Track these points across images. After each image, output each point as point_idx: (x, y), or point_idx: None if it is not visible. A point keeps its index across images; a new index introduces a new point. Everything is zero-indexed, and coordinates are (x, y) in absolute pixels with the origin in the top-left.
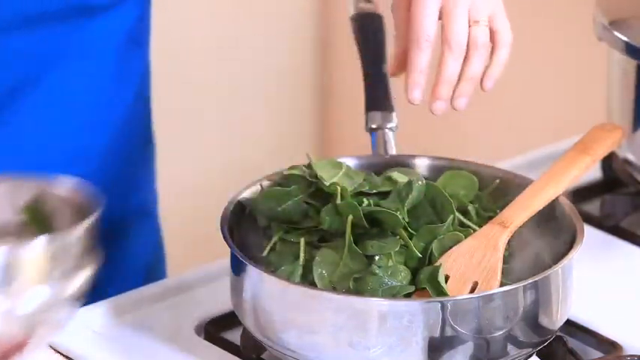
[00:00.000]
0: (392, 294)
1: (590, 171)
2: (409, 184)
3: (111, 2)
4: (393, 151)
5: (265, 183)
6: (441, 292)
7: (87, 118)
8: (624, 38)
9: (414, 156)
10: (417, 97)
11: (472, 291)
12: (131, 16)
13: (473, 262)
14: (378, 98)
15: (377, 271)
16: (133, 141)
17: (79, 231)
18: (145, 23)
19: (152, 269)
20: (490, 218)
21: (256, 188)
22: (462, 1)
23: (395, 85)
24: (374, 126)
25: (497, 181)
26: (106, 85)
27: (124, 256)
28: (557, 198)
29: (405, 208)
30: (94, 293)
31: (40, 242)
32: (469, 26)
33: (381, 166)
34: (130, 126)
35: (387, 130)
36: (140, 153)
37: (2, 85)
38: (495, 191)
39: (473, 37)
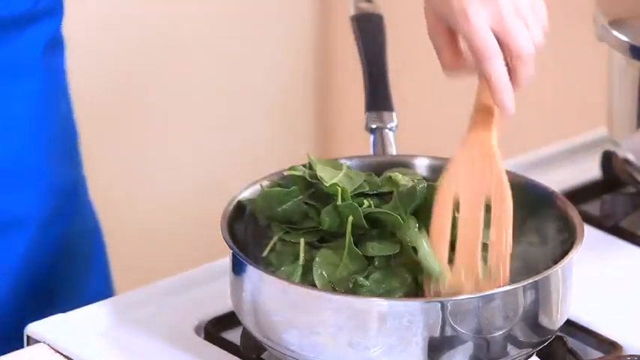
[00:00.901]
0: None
1: (589, 171)
2: (413, 190)
3: (26, 16)
4: (393, 151)
5: (265, 183)
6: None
7: (24, 132)
8: (624, 38)
9: (414, 156)
10: (512, 105)
11: (487, 211)
12: (50, 27)
13: (476, 180)
14: (378, 98)
15: (374, 275)
16: (68, 139)
17: None
18: (59, 24)
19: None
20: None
21: (256, 188)
22: (509, 4)
23: (395, 85)
24: (374, 126)
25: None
26: (38, 98)
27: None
28: (557, 198)
29: (409, 212)
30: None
31: None
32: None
33: (381, 166)
34: (65, 126)
35: (387, 130)
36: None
37: None
38: None
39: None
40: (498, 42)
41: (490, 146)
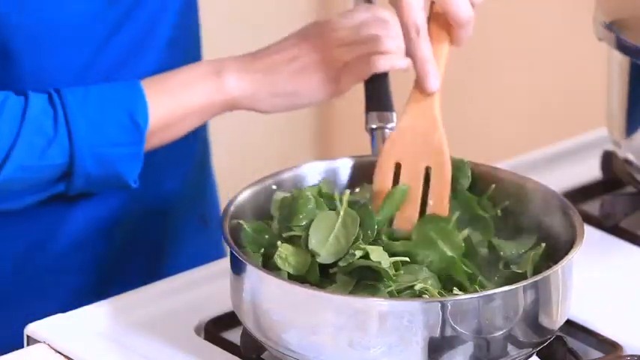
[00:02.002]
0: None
1: (589, 171)
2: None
3: None
4: None
5: (267, 183)
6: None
7: None
8: (624, 38)
9: None
10: (435, 85)
11: (426, 178)
12: None
13: (418, 147)
14: (377, 98)
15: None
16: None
17: None
18: None
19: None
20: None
21: (256, 188)
22: None
23: (395, 85)
24: (374, 126)
25: (493, 186)
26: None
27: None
28: (557, 198)
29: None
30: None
31: None
32: None
33: None
34: None
35: (386, 130)
36: None
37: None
38: (495, 193)
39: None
40: (438, 9)
41: (432, 114)
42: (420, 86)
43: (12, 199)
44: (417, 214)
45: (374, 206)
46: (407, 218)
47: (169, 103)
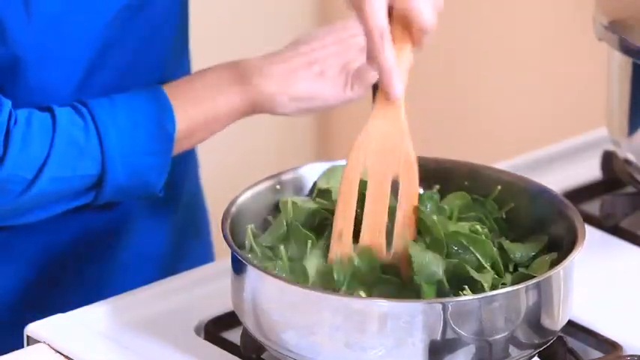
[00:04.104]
0: None
1: (589, 171)
2: None
3: None
4: None
5: (268, 184)
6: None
7: None
8: (625, 38)
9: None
10: (399, 92)
11: (394, 188)
12: None
13: (385, 156)
14: None
15: None
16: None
17: None
18: None
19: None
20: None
21: (257, 189)
22: None
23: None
24: None
25: (499, 187)
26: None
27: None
28: (557, 199)
29: None
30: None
31: None
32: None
33: None
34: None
35: None
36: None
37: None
38: (498, 195)
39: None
40: (400, 14)
41: (399, 123)
42: (384, 92)
43: (40, 211)
44: (384, 230)
45: (337, 212)
46: (375, 233)
47: (195, 110)
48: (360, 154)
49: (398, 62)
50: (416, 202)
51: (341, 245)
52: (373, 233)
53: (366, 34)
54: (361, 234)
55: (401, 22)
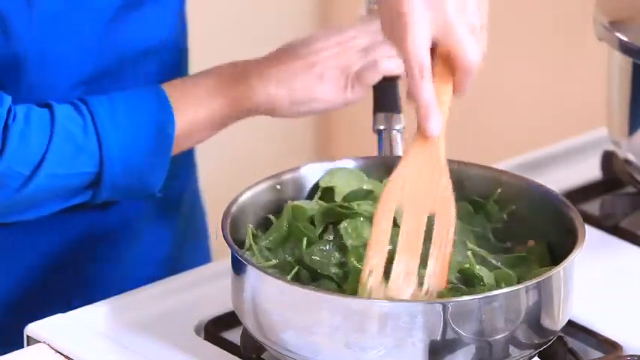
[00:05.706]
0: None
1: (589, 171)
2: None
3: None
4: (399, 152)
5: (268, 184)
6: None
7: None
8: (624, 38)
9: None
10: (437, 129)
11: (428, 225)
12: None
13: (423, 192)
14: (385, 100)
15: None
16: None
17: None
18: None
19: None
20: (496, 228)
21: (257, 189)
22: (460, 16)
23: (402, 86)
24: (381, 127)
25: (499, 190)
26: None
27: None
28: (557, 199)
29: None
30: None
31: None
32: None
33: (386, 167)
34: None
35: (394, 132)
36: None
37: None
38: (498, 196)
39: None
40: (444, 51)
41: (439, 159)
42: (422, 129)
43: (38, 209)
44: (416, 270)
45: (370, 248)
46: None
47: (194, 111)
48: (394, 192)
49: (438, 100)
50: (450, 243)
51: (371, 282)
52: (405, 268)
53: (406, 69)
54: (393, 268)
55: (444, 58)
